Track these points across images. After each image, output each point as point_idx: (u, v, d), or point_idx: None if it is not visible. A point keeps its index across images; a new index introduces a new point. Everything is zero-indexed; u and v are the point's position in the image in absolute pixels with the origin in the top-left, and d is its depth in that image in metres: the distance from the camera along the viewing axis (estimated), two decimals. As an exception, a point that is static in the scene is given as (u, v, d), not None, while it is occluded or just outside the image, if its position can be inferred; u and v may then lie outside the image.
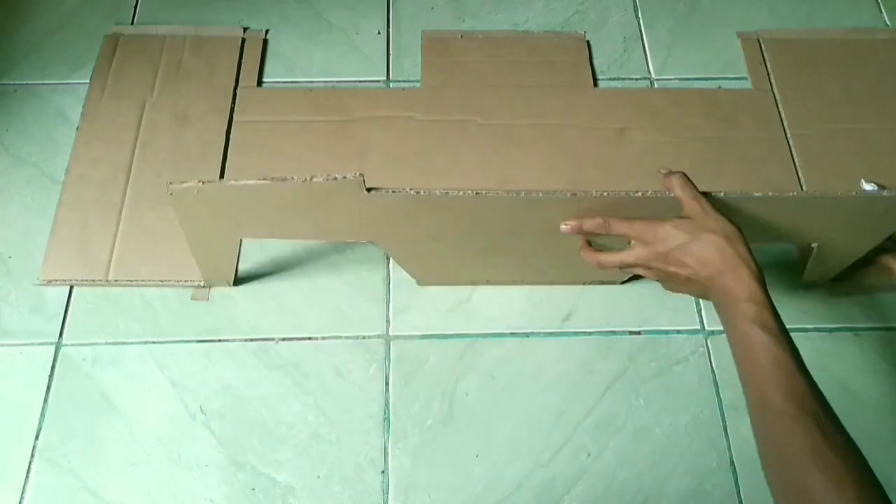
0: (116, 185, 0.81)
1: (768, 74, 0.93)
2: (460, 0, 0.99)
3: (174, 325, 0.74)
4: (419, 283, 0.77)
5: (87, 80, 0.89)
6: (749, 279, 0.53)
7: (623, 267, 0.61)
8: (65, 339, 0.73)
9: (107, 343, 0.73)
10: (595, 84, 0.92)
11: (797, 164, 0.85)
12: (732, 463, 0.70)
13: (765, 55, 0.95)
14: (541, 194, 0.59)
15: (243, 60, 0.91)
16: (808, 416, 0.47)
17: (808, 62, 0.94)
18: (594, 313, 0.77)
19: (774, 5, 1.00)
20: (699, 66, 0.94)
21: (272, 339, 0.74)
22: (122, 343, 0.73)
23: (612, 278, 0.77)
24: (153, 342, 0.73)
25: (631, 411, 0.72)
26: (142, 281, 0.75)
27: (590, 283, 0.78)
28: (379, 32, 0.95)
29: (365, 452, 0.69)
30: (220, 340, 0.74)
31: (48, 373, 0.71)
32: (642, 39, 0.97)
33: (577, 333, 0.76)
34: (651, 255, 0.58)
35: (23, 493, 0.66)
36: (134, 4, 0.96)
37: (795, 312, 0.77)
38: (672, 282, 0.60)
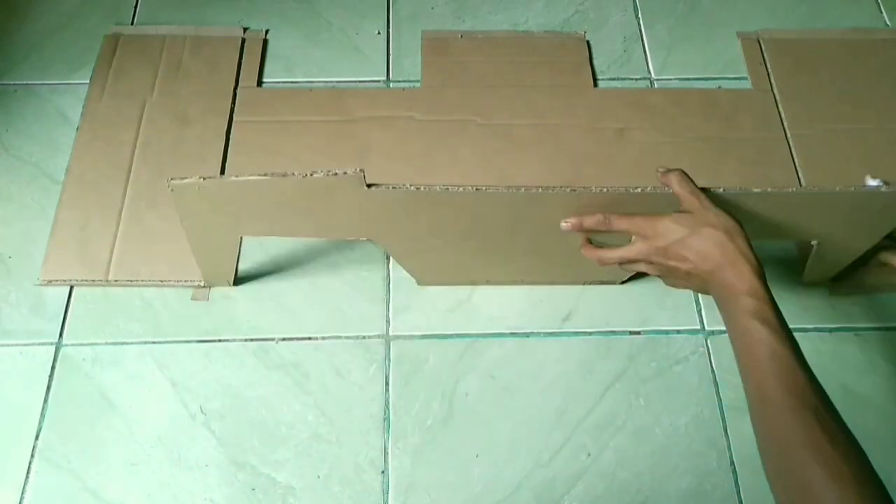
0: (116, 185, 0.81)
1: (768, 74, 0.93)
2: (460, 0, 0.99)
3: (174, 325, 0.74)
4: (419, 282, 0.77)
5: (87, 80, 0.89)
6: (749, 273, 0.53)
7: (623, 262, 0.61)
8: (65, 339, 0.73)
9: (107, 343, 0.73)
10: (595, 84, 0.92)
11: (797, 163, 0.85)
12: (732, 463, 0.70)
13: (765, 55, 0.95)
14: (540, 190, 0.59)
15: (243, 60, 0.91)
16: (809, 410, 0.47)
17: (808, 62, 0.94)
18: (594, 313, 0.77)
19: (774, 5, 1.00)
20: (699, 66, 0.95)
21: (272, 339, 0.74)
22: (122, 343, 0.73)
23: (612, 278, 0.77)
24: (153, 342, 0.73)
25: (631, 411, 0.72)
26: (142, 281, 0.76)
27: (590, 283, 0.78)
28: (379, 32, 0.95)
29: (365, 452, 0.69)
30: (220, 340, 0.74)
31: (48, 373, 0.71)
32: (642, 39, 0.97)
33: (577, 333, 0.76)
34: (651, 250, 0.58)
35: (23, 493, 0.66)
36: (134, 4, 0.96)
37: (795, 312, 0.77)
38: (673, 277, 0.60)
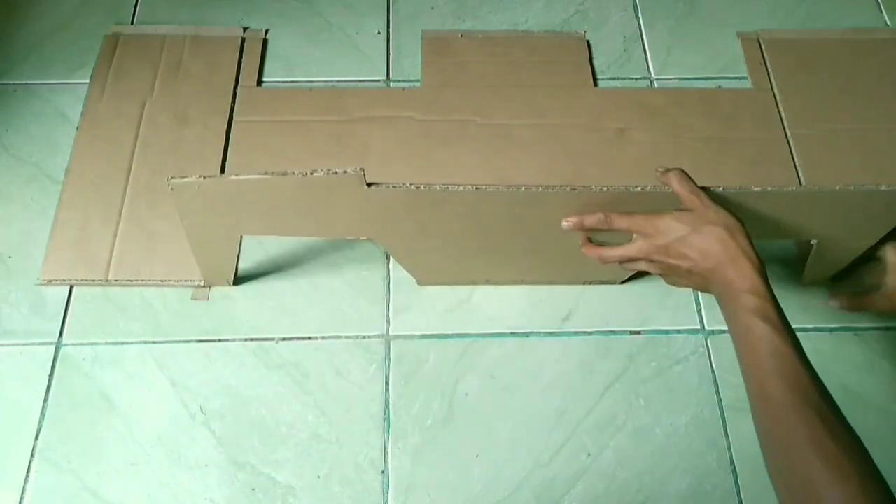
0: (116, 185, 0.81)
1: (768, 74, 0.93)
2: (460, 0, 0.99)
3: (174, 325, 0.74)
4: (419, 282, 0.77)
5: (87, 80, 0.89)
6: (750, 271, 0.53)
7: (624, 261, 0.61)
8: (65, 339, 0.73)
9: (107, 343, 0.73)
10: (595, 84, 0.92)
11: (797, 163, 0.85)
12: (732, 463, 0.70)
13: (765, 55, 0.95)
14: (540, 189, 0.60)
15: (243, 60, 0.91)
16: (811, 407, 0.47)
17: (808, 62, 0.94)
18: (594, 313, 0.77)
19: (774, 5, 1.00)
20: (699, 65, 0.95)
21: (272, 339, 0.74)
22: (122, 343, 0.73)
23: (612, 278, 0.77)
24: (153, 342, 0.73)
25: (631, 411, 0.72)
26: (142, 281, 0.76)
27: (590, 283, 0.78)
28: (379, 32, 0.95)
29: (365, 452, 0.69)
30: (220, 340, 0.74)
31: (48, 373, 0.71)
32: (642, 39, 0.97)
33: (577, 333, 0.76)
34: (652, 248, 0.58)
35: (23, 493, 0.66)
36: (134, 4, 0.96)
37: (796, 312, 0.76)
38: (674, 275, 0.60)
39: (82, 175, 0.81)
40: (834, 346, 0.76)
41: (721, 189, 0.59)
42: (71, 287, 0.76)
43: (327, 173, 0.57)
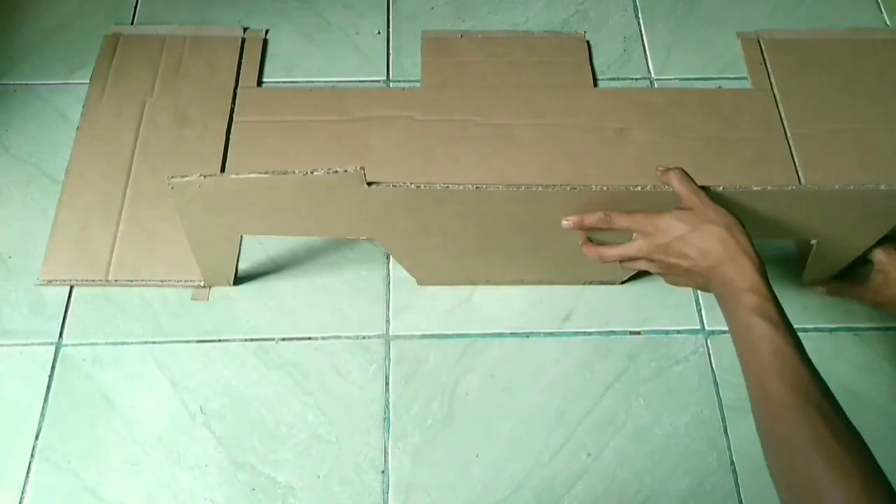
0: (116, 185, 0.81)
1: (768, 74, 0.93)
2: (460, 0, 0.99)
3: (174, 325, 0.74)
4: (419, 282, 0.77)
5: (87, 80, 0.89)
6: (750, 269, 0.53)
7: (624, 260, 0.61)
8: (65, 339, 0.73)
9: (107, 343, 0.73)
10: (595, 84, 0.92)
11: (797, 163, 0.85)
12: (732, 463, 0.70)
13: (765, 55, 0.95)
14: (540, 189, 0.60)
15: (243, 60, 0.91)
16: (812, 406, 0.47)
17: (808, 62, 0.94)
18: (594, 313, 0.77)
19: (774, 5, 1.00)
20: (699, 66, 0.95)
21: (272, 339, 0.74)
22: (122, 343, 0.73)
23: (612, 278, 0.77)
24: (153, 342, 0.73)
25: (631, 411, 0.72)
26: (142, 281, 0.76)
27: (590, 283, 0.78)
28: (379, 32, 0.95)
29: (365, 452, 0.69)
30: (220, 340, 0.74)
31: (48, 373, 0.71)
32: (642, 39, 0.97)
33: (577, 333, 0.76)
34: (652, 247, 0.58)
35: (23, 493, 0.66)
36: (134, 4, 0.96)
37: (795, 312, 0.76)
38: (674, 274, 0.60)
39: (82, 175, 0.81)
40: (834, 346, 0.76)
41: (721, 188, 0.59)
42: (71, 287, 0.76)
43: (327, 172, 0.57)
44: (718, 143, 0.86)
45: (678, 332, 0.76)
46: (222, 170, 0.83)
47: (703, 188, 0.59)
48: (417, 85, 0.91)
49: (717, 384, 0.73)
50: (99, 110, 0.86)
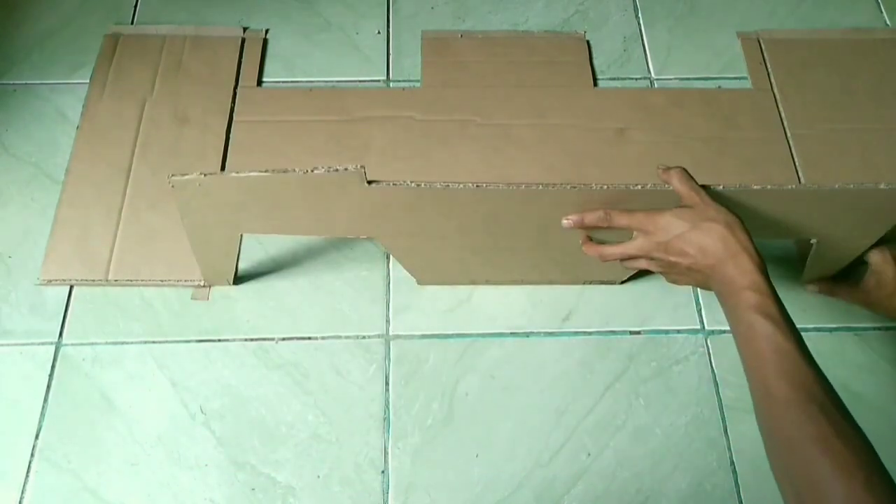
0: (116, 185, 0.81)
1: (768, 74, 0.93)
2: (460, 0, 0.99)
3: (174, 325, 0.74)
4: (419, 282, 0.77)
5: (87, 80, 0.89)
6: (751, 267, 0.53)
7: (624, 258, 0.61)
8: (65, 339, 0.73)
9: (107, 343, 0.73)
10: (595, 84, 0.92)
11: (797, 163, 0.85)
12: (732, 463, 0.70)
13: (765, 55, 0.95)
14: (541, 187, 0.60)
15: (243, 60, 0.91)
16: (814, 404, 0.47)
17: (808, 62, 0.94)
18: (594, 313, 0.77)
19: (774, 5, 1.00)
20: (699, 66, 0.95)
21: (272, 339, 0.74)
22: (122, 343, 0.73)
23: (612, 278, 0.77)
24: (153, 342, 0.73)
25: (631, 411, 0.72)
26: (142, 281, 0.75)
27: (590, 283, 0.78)
28: (379, 32, 0.95)
29: (365, 452, 0.69)
30: (220, 340, 0.74)
31: (48, 373, 0.71)
32: (642, 39, 0.97)
33: (577, 333, 0.76)
34: (652, 246, 0.58)
35: (23, 493, 0.66)
36: (134, 4, 0.96)
37: (796, 311, 0.75)
38: (674, 273, 0.60)
39: (82, 175, 0.81)
40: (834, 346, 0.76)
41: (721, 187, 0.59)
42: (71, 287, 0.76)
43: (328, 171, 0.57)
44: (718, 143, 0.86)
45: (678, 331, 0.76)
46: (222, 169, 0.83)
47: (704, 187, 0.59)
48: (417, 85, 0.91)
49: (717, 384, 0.73)
50: (99, 110, 0.86)
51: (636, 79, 0.93)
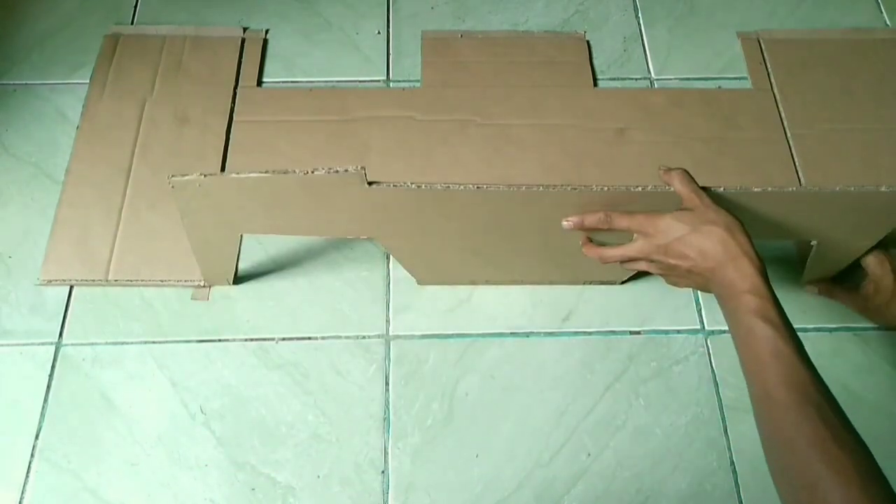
0: (116, 185, 0.81)
1: (768, 74, 0.93)
2: (460, 0, 0.99)
3: (174, 325, 0.74)
4: (419, 282, 0.77)
5: (87, 80, 0.89)
6: (751, 271, 0.53)
7: (624, 261, 0.61)
8: (65, 339, 0.73)
9: (107, 343, 0.73)
10: (595, 84, 0.92)
11: (797, 163, 0.85)
12: (732, 463, 0.70)
13: (765, 55, 0.95)
14: (541, 189, 0.60)
15: (243, 60, 0.91)
16: (812, 408, 0.47)
17: (808, 62, 0.94)
18: (594, 313, 0.77)
19: (774, 5, 1.00)
20: (699, 66, 0.95)
21: (272, 339, 0.74)
22: (122, 343, 0.73)
23: (612, 278, 0.77)
24: (153, 342, 0.73)
25: (631, 411, 0.72)
26: (142, 281, 0.75)
27: (590, 283, 0.78)
28: (379, 32, 0.95)
29: (365, 452, 0.69)
30: (220, 340, 0.74)
31: (48, 373, 0.71)
32: (642, 39, 0.97)
33: (577, 333, 0.76)
34: (652, 248, 0.58)
35: (23, 493, 0.66)
36: (134, 4, 0.96)
37: (795, 312, 0.76)
38: (674, 275, 0.60)
39: (82, 175, 0.81)
40: (834, 346, 0.76)
41: (722, 189, 0.59)
42: (71, 287, 0.76)
43: (328, 172, 0.57)
44: (718, 143, 0.86)
45: (678, 332, 0.76)
46: (222, 169, 0.83)
47: (705, 189, 0.59)
48: (417, 85, 0.91)
49: (717, 384, 0.73)
50: (99, 110, 0.86)
51: (636, 79, 0.93)
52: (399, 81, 0.91)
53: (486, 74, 0.91)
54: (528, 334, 0.75)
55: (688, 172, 0.60)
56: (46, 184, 0.82)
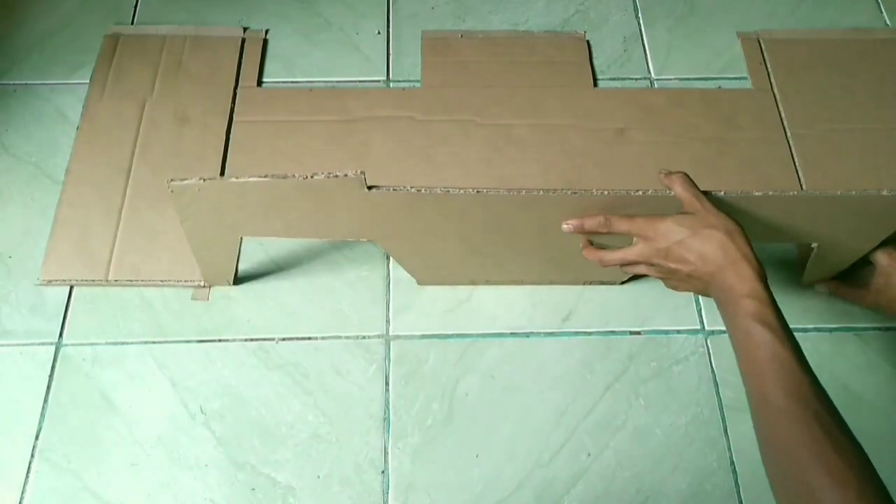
0: (116, 185, 0.81)
1: (768, 74, 0.93)
2: (460, 0, 0.99)
3: (174, 325, 0.74)
4: (419, 282, 0.77)
5: (87, 80, 0.89)
6: (750, 275, 0.53)
7: (624, 264, 0.61)
8: (65, 339, 0.73)
9: (107, 343, 0.73)
10: (595, 84, 0.92)
11: (797, 163, 0.85)
12: (732, 463, 0.70)
13: (765, 55, 0.95)
14: (541, 192, 0.60)
15: (243, 60, 0.91)
16: (810, 413, 0.47)
17: (808, 62, 0.94)
18: (594, 313, 0.77)
19: (774, 5, 1.00)
20: (699, 66, 0.95)
21: (272, 339, 0.74)
22: (122, 343, 0.73)
23: (612, 278, 0.77)
24: (153, 342, 0.73)
25: (631, 411, 0.72)
26: (142, 281, 0.76)
27: (590, 283, 0.78)
28: (379, 32, 0.95)
29: (365, 452, 0.69)
30: (220, 340, 0.74)
31: (48, 373, 0.71)
32: (642, 39, 0.97)
33: (577, 333, 0.76)
34: (652, 252, 0.58)
35: (23, 493, 0.66)
36: (134, 4, 0.96)
37: (796, 312, 0.77)
38: (674, 279, 0.60)
39: (82, 175, 0.81)
40: (834, 346, 0.76)
41: (723, 193, 0.59)
42: (71, 287, 0.76)
43: (328, 176, 0.57)
44: (718, 143, 0.86)
45: (678, 332, 0.76)
46: (222, 170, 0.83)
47: (705, 193, 0.59)
48: (417, 85, 0.91)
49: (717, 384, 0.73)
50: (99, 110, 0.86)
51: (636, 79, 0.93)
52: (399, 81, 0.91)
53: (486, 74, 0.91)
54: (528, 334, 0.75)
55: (688, 176, 0.60)
56: (46, 184, 0.82)
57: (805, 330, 0.76)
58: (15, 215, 0.80)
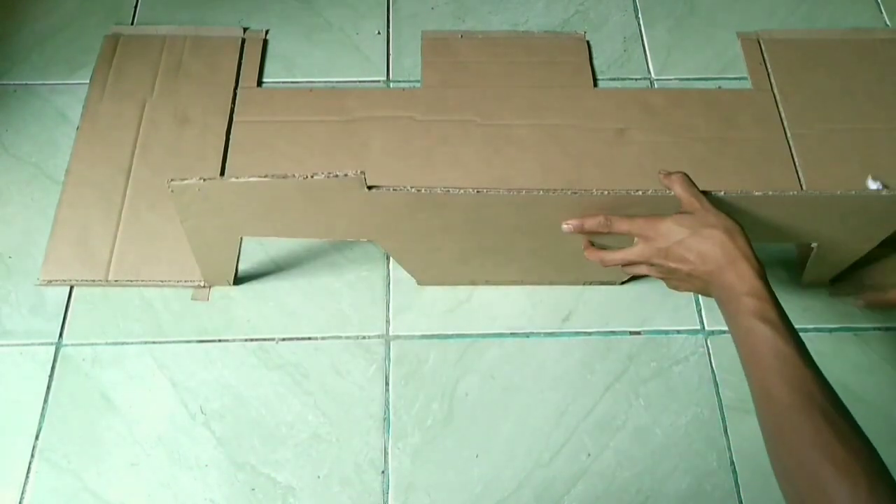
0: (116, 185, 0.81)
1: (768, 74, 0.93)
2: (460, 0, 0.99)
3: (174, 325, 0.74)
4: (419, 282, 0.77)
5: (87, 80, 0.89)
6: (750, 273, 0.53)
7: (625, 264, 0.61)
8: (65, 339, 0.73)
9: (107, 343, 0.73)
10: (595, 84, 0.92)
11: (797, 163, 0.85)
12: (732, 463, 0.70)
13: (765, 55, 0.95)
14: (541, 193, 0.60)
15: (243, 60, 0.91)
16: (816, 407, 0.47)
17: (808, 62, 0.94)
18: (594, 313, 0.77)
19: (774, 5, 1.00)
20: (699, 66, 0.95)
21: (272, 339, 0.74)
22: (122, 343, 0.73)
23: (612, 279, 0.77)
24: (153, 342, 0.73)
25: (631, 411, 0.72)
26: (142, 281, 0.76)
27: (590, 284, 0.78)
28: (379, 32, 0.95)
29: (365, 452, 0.69)
30: (220, 340, 0.74)
31: (48, 373, 0.71)
32: (642, 39, 0.97)
33: (577, 333, 0.76)
34: (652, 252, 0.58)
35: (23, 493, 0.66)
36: (134, 4, 0.96)
37: (796, 312, 0.76)
38: (674, 278, 0.60)
39: (82, 175, 0.81)
40: (834, 346, 0.76)
41: (723, 193, 0.59)
42: (71, 287, 0.76)
43: (328, 176, 0.57)
44: (718, 143, 0.86)
45: (678, 332, 0.76)
46: (222, 169, 0.83)
47: (705, 193, 0.59)
48: (417, 85, 0.91)
49: (717, 384, 0.73)
50: (99, 110, 0.86)
51: (636, 79, 0.93)
52: (399, 81, 0.91)
53: (486, 74, 0.91)
54: (528, 334, 0.75)
55: (688, 176, 0.60)
56: (46, 184, 0.82)
57: (805, 330, 0.76)
58: (15, 215, 0.80)
